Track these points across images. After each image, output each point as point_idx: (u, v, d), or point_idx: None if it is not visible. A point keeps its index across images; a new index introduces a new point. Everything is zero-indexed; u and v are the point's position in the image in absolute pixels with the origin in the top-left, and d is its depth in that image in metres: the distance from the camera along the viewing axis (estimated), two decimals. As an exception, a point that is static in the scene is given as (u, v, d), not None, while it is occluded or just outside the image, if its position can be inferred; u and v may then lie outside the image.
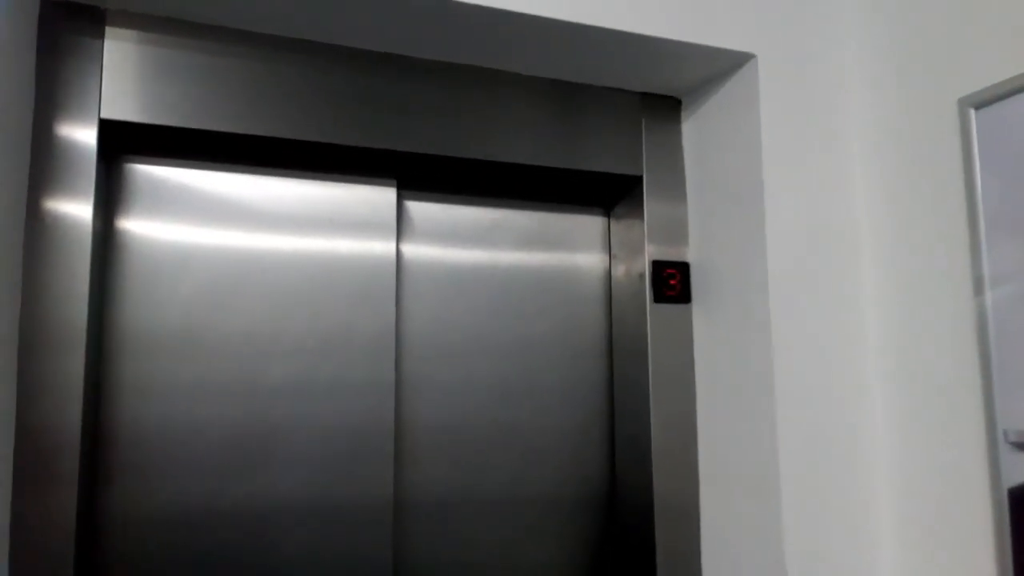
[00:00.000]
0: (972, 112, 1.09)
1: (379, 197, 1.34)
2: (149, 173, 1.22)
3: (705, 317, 1.35)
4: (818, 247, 1.24)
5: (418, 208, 1.40)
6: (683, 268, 1.37)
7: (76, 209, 1.06)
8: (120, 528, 1.15)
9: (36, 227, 1.04)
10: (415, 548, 1.32)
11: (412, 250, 1.38)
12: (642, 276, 1.37)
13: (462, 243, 1.42)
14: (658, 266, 1.36)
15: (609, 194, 1.48)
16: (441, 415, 1.36)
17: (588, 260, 1.50)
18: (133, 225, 1.21)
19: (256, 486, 1.21)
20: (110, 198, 1.19)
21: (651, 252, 1.37)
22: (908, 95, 1.20)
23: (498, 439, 1.39)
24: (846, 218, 1.27)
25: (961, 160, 1.10)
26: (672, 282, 1.36)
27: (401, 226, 1.37)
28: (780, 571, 1.14)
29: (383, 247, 1.33)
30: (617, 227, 1.49)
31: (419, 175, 1.36)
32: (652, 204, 1.39)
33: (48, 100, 1.06)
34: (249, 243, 1.26)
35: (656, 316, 1.35)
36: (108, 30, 1.10)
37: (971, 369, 1.07)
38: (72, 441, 1.04)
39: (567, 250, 1.49)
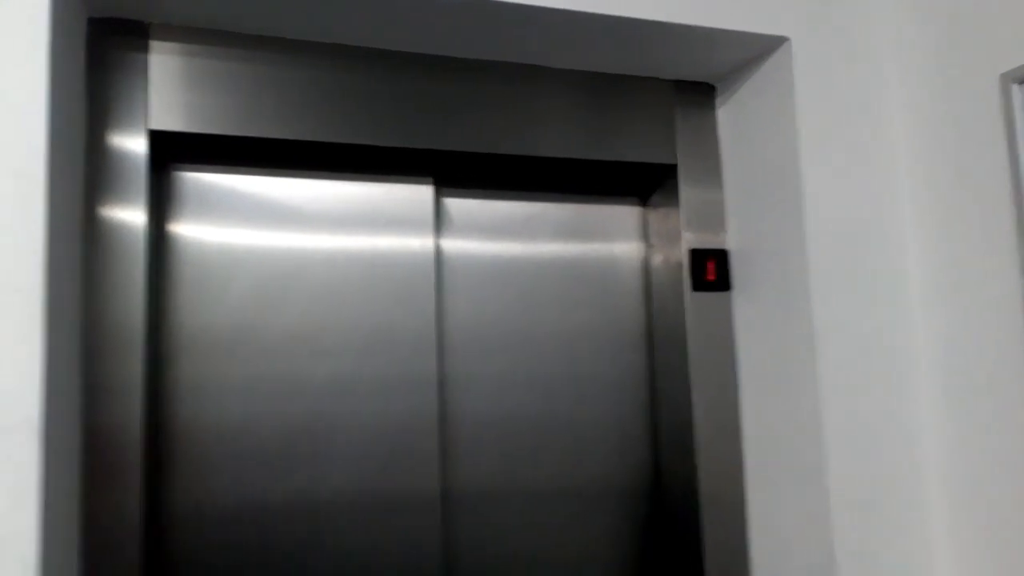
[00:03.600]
0: (1015, 87, 1.06)
1: (417, 195, 1.36)
2: (196, 180, 1.26)
3: (746, 305, 1.34)
4: (859, 231, 1.22)
5: (455, 204, 1.42)
6: (721, 256, 1.37)
7: (129, 217, 1.10)
8: (181, 521, 1.20)
9: (92, 236, 1.08)
10: (463, 539, 1.34)
11: (451, 246, 1.40)
12: (680, 265, 1.37)
13: (500, 237, 1.43)
14: (696, 254, 1.35)
15: (645, 183, 1.48)
16: (484, 408, 1.38)
17: (625, 250, 1.50)
18: (183, 230, 1.25)
19: (307, 480, 1.25)
20: (160, 205, 1.23)
21: (688, 240, 1.37)
22: (948, 72, 1.18)
23: (540, 431, 1.40)
24: (887, 201, 1.25)
25: (1005, 137, 1.07)
26: (711, 270, 1.35)
27: (439, 223, 1.39)
28: (830, 562, 1.14)
29: (422, 244, 1.35)
30: (654, 216, 1.49)
31: (455, 172, 1.38)
32: (688, 192, 1.38)
33: (98, 113, 1.11)
34: (293, 244, 1.29)
35: (695, 305, 1.35)
36: (152, 44, 1.14)
37: (1020, 356, 1.05)
38: (135, 439, 1.08)
39: (604, 241, 1.49)
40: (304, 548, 1.24)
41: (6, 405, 0.88)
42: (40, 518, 0.88)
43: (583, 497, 1.41)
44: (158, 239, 1.23)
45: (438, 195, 1.40)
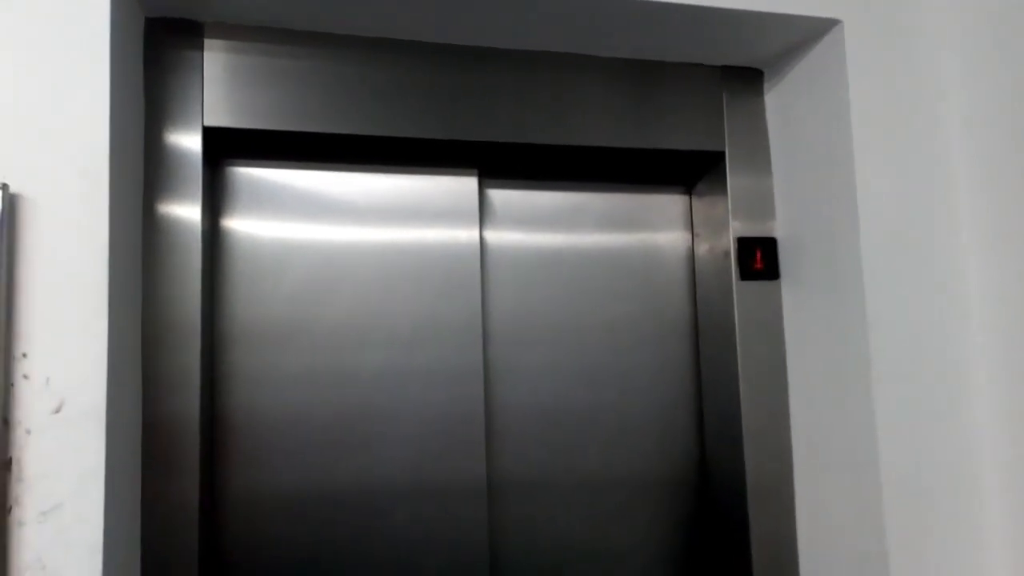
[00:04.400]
0: (1085, 66, 1.02)
1: (461, 187, 1.37)
2: (249, 175, 1.30)
3: (795, 294, 1.32)
4: (913, 219, 1.19)
5: (500, 196, 1.43)
6: (770, 244, 1.34)
7: (186, 212, 1.13)
8: (236, 507, 1.23)
9: (150, 230, 1.12)
10: (509, 527, 1.35)
11: (495, 237, 1.41)
12: (727, 253, 1.35)
13: (544, 228, 1.44)
14: (744, 243, 1.33)
15: (691, 171, 1.47)
16: (531, 399, 1.39)
17: (672, 239, 1.49)
18: (236, 224, 1.28)
19: (357, 468, 1.27)
20: (215, 200, 1.27)
21: (736, 228, 1.35)
22: (1006, 52, 1.13)
23: (586, 421, 1.41)
24: (943, 188, 1.21)
25: (1073, 118, 1.03)
26: (759, 259, 1.33)
27: (484, 214, 1.40)
28: (881, 552, 1.12)
29: (467, 235, 1.36)
30: (700, 205, 1.47)
31: (500, 164, 1.39)
32: (736, 179, 1.36)
33: (155, 111, 1.14)
34: (342, 237, 1.31)
35: (743, 294, 1.33)
36: (206, 42, 1.17)
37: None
38: (192, 429, 1.12)
39: (650, 230, 1.48)
40: (354, 535, 1.27)
41: (74, 394, 0.92)
42: (104, 503, 0.92)
43: (629, 487, 1.41)
44: (213, 233, 1.26)
45: (482, 187, 1.40)
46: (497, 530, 1.34)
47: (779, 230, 1.36)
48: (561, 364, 1.41)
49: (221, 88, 1.17)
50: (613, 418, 1.42)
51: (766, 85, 1.39)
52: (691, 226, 1.49)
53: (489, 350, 1.37)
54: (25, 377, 0.91)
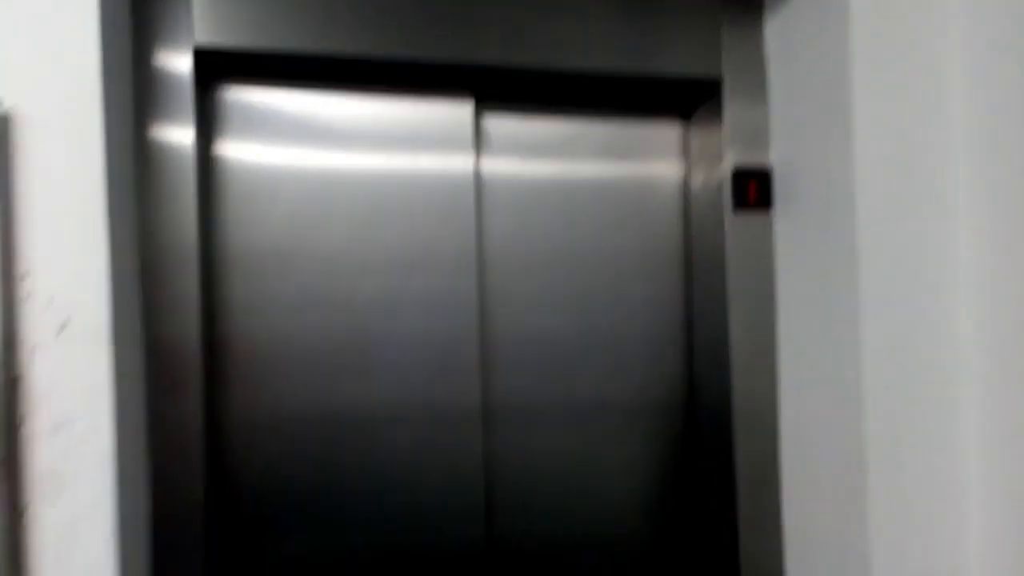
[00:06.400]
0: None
1: (458, 112, 1.36)
2: (240, 96, 1.28)
3: (787, 225, 1.33)
4: (910, 151, 1.19)
5: (496, 123, 1.42)
6: (764, 175, 1.35)
7: (178, 134, 1.13)
8: (237, 429, 1.27)
9: (143, 149, 1.11)
10: (504, 450, 1.40)
11: (491, 164, 1.41)
12: (722, 183, 1.36)
13: (541, 156, 1.43)
14: (739, 173, 1.34)
15: (687, 100, 1.46)
16: (526, 326, 1.41)
17: (667, 169, 1.49)
18: (228, 148, 1.27)
19: (353, 393, 1.31)
20: (205, 122, 1.25)
21: (731, 159, 1.35)
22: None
23: (580, 348, 1.44)
24: (940, 123, 1.20)
25: (1070, 47, 1.03)
26: (753, 189, 1.34)
27: (479, 141, 1.39)
28: (861, 476, 1.16)
29: (463, 161, 1.36)
30: (696, 134, 1.47)
31: (495, 89, 1.37)
32: (732, 109, 1.36)
33: (143, 31, 1.12)
34: (336, 162, 1.31)
35: (736, 224, 1.35)
36: (195, -43, 1.14)
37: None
38: (194, 352, 1.14)
39: (646, 160, 1.48)
40: (351, 457, 1.31)
41: (77, 312, 0.93)
42: (113, 417, 0.95)
43: (620, 411, 1.46)
44: (206, 157, 1.25)
45: (479, 113, 1.39)
46: (492, 453, 1.39)
47: (774, 161, 1.36)
48: (556, 292, 1.43)
49: (211, 5, 1.14)
50: (606, 345, 1.45)
51: (766, 13, 1.37)
52: (687, 156, 1.50)
53: (484, 278, 1.38)
54: (28, 296, 0.92)
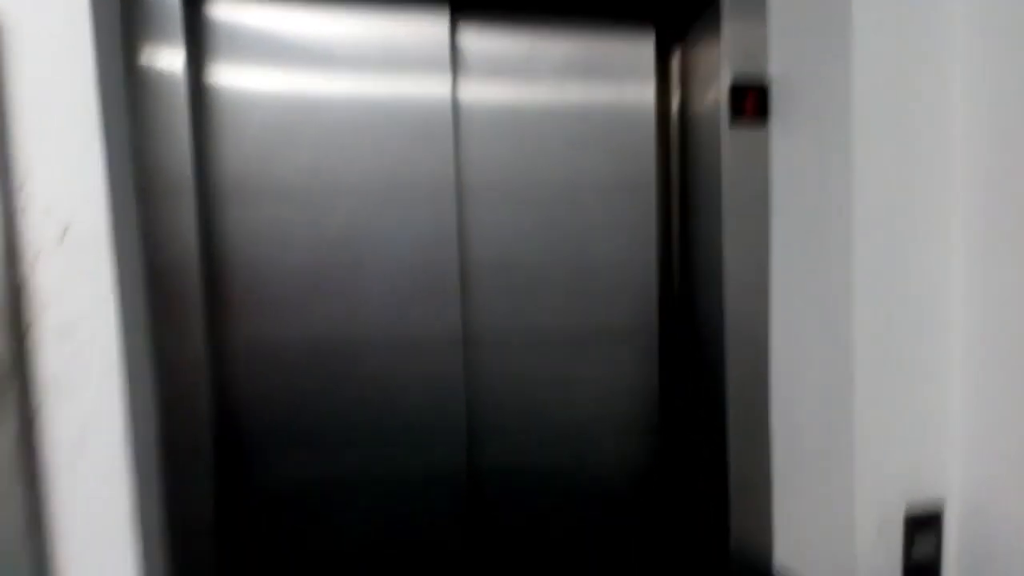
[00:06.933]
0: None
1: (434, 25, 1.35)
2: (225, 15, 1.28)
3: (784, 139, 1.32)
4: (908, 68, 1.16)
5: (474, 38, 1.40)
6: (762, 89, 1.33)
7: (167, 57, 1.13)
8: (234, 352, 1.31)
9: (131, 61, 1.11)
10: (486, 374, 1.43)
11: (469, 83, 1.40)
12: (719, 99, 1.34)
13: (525, 76, 1.42)
14: (737, 87, 1.32)
15: (685, 14, 1.43)
16: (507, 253, 1.42)
17: (660, 88, 1.47)
18: (214, 69, 1.28)
19: (338, 320, 1.34)
20: (190, 44, 1.25)
21: (729, 73, 1.33)
22: None
23: (560, 274, 1.45)
24: (942, 39, 1.18)
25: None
26: (750, 102, 1.33)
27: (456, 56, 1.38)
28: (848, 392, 1.18)
29: (439, 81, 1.36)
30: (693, 50, 1.45)
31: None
32: (730, 22, 1.33)
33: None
34: (313, 83, 1.31)
35: (732, 138, 1.34)
36: None
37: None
38: (193, 280, 1.18)
39: (637, 79, 1.46)
40: (337, 380, 1.35)
41: (76, 221, 0.95)
42: (118, 324, 0.97)
43: (609, 335, 1.47)
44: (194, 80, 1.25)
45: (455, 23, 1.37)
46: (472, 376, 1.41)
47: (772, 74, 1.34)
48: (538, 218, 1.43)
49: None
50: (589, 269, 1.45)
51: (765, -78, 1.33)
52: (683, 73, 1.47)
53: (464, 205, 1.39)
54: (26, 206, 0.94)
